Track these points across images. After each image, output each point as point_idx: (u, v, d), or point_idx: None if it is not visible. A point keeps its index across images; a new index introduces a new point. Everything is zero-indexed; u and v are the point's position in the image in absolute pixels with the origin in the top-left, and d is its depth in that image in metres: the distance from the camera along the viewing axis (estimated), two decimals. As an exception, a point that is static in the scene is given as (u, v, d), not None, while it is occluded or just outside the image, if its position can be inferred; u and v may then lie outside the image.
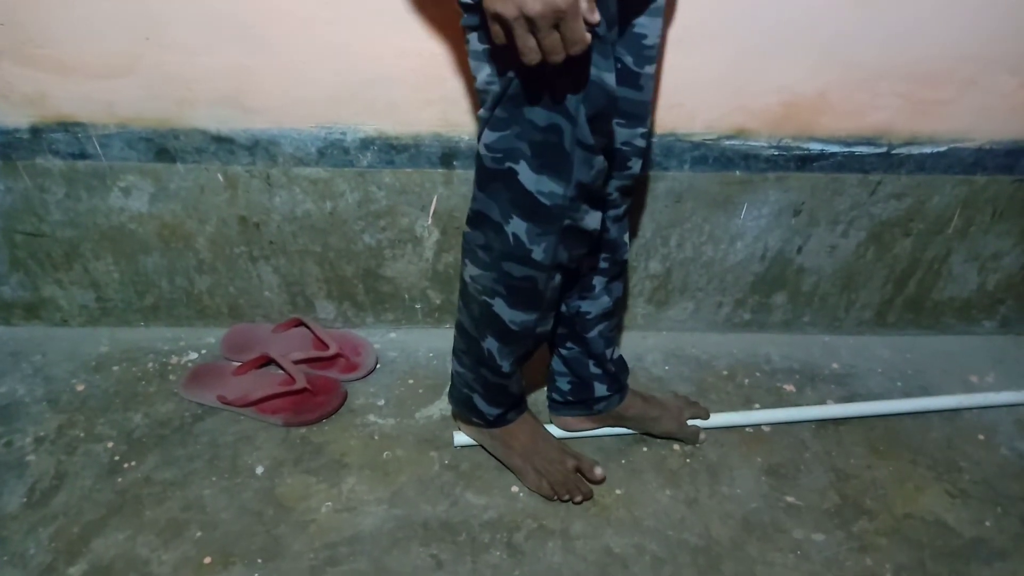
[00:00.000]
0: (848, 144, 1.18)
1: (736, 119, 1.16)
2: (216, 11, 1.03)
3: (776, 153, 1.19)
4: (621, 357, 1.17)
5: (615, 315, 1.12)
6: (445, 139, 1.16)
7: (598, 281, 1.07)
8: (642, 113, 0.92)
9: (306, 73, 1.09)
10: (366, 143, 1.17)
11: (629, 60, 0.86)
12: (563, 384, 1.16)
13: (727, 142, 1.18)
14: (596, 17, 0.69)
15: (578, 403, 1.17)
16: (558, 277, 0.95)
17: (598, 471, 1.11)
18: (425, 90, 1.11)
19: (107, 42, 1.06)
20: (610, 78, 0.76)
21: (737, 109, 1.15)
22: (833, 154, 1.19)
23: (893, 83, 1.12)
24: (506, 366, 1.03)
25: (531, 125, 0.80)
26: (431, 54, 1.07)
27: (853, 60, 1.10)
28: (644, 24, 0.85)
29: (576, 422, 1.19)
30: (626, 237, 1.06)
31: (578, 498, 1.09)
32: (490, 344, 1.00)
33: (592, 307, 1.08)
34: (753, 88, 1.13)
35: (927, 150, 1.20)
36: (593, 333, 1.09)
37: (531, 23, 0.66)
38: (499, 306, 0.95)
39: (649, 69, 0.89)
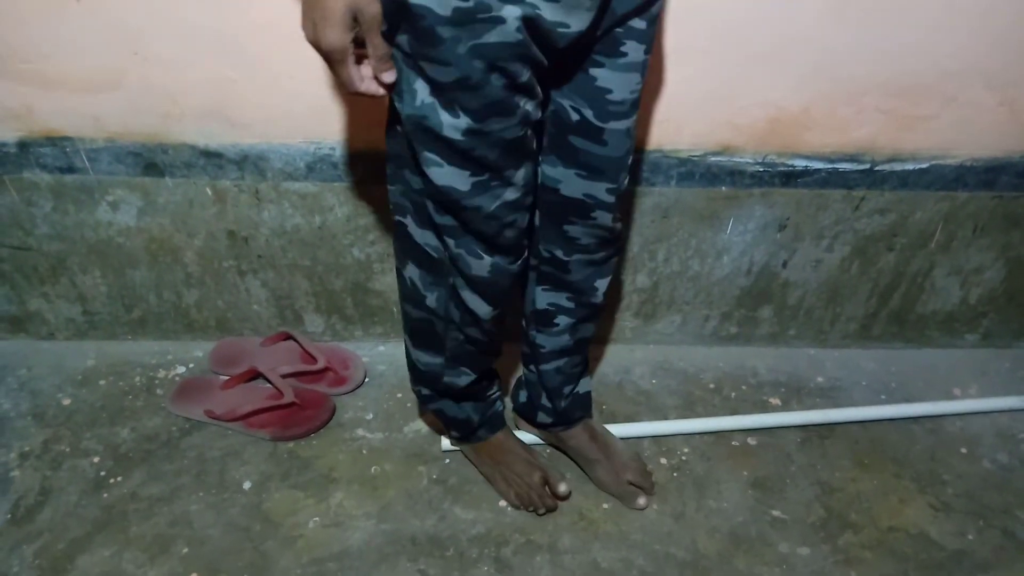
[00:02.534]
0: (832, 160, 1.20)
1: (722, 135, 1.17)
2: (200, 25, 1.04)
3: (761, 169, 1.20)
4: (587, 394, 1.17)
5: (576, 354, 1.11)
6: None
7: (562, 320, 1.05)
8: (606, 168, 0.87)
9: (293, 86, 1.10)
10: (355, 158, 1.17)
11: (589, 113, 0.83)
12: (520, 396, 1.20)
13: (713, 158, 1.19)
14: (387, 79, 0.70)
15: (524, 417, 1.21)
16: (464, 335, 0.96)
17: (562, 488, 1.11)
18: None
19: (93, 57, 1.06)
20: (437, 172, 0.76)
21: (722, 125, 1.16)
22: (817, 170, 1.21)
23: (876, 99, 1.14)
24: (430, 403, 1.11)
25: (408, 185, 0.84)
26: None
27: (836, 75, 1.12)
28: (608, 79, 0.81)
29: (527, 425, 1.21)
30: (599, 283, 1.02)
31: (541, 510, 1.10)
32: (411, 379, 1.10)
33: (548, 342, 1.07)
34: (738, 104, 1.14)
35: (909, 166, 1.22)
36: (548, 367, 1.10)
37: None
38: (408, 344, 1.04)
39: (617, 125, 0.84)
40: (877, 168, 1.21)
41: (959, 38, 1.08)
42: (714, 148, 1.18)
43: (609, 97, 0.82)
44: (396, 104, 0.75)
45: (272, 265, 1.30)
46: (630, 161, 0.89)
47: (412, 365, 1.06)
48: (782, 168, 1.21)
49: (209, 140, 1.15)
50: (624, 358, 1.42)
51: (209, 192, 1.20)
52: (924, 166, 1.22)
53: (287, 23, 1.03)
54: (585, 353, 1.15)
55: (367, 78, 0.70)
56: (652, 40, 0.81)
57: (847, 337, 1.46)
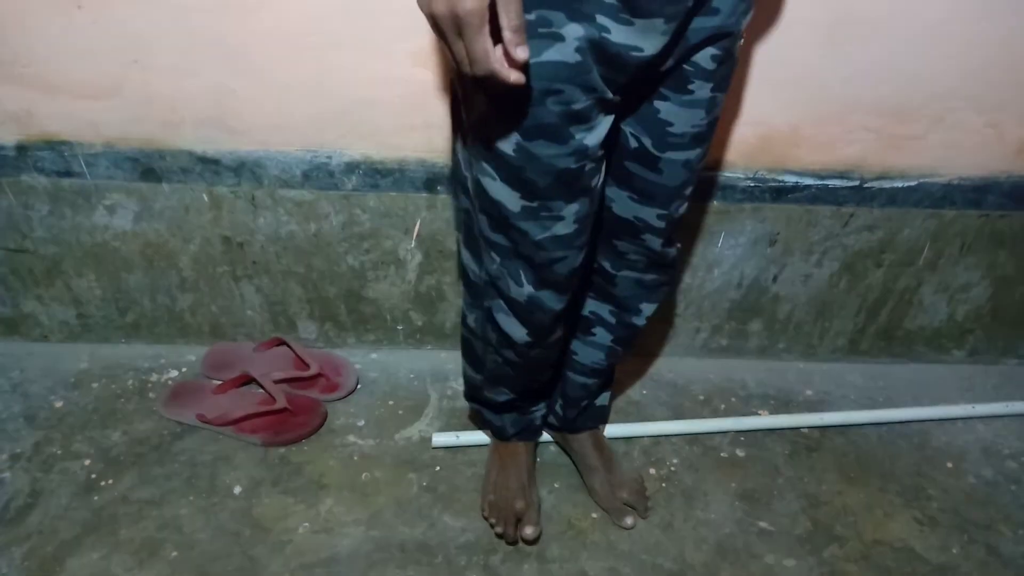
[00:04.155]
0: (822, 177, 1.22)
1: (713, 151, 1.19)
2: (202, 35, 1.05)
3: (752, 184, 1.22)
4: (602, 407, 1.18)
5: (604, 375, 1.12)
6: (429, 164, 1.18)
7: (599, 331, 1.05)
8: (658, 194, 0.86)
9: (289, 95, 1.11)
10: (351, 167, 1.18)
11: (648, 142, 0.82)
12: None
13: (705, 173, 1.21)
14: (520, 55, 0.60)
15: None
16: (502, 357, 0.97)
17: (527, 531, 1.07)
18: (410, 116, 1.13)
19: (94, 63, 1.08)
20: (491, 184, 0.78)
21: (714, 141, 1.17)
22: (807, 186, 1.23)
23: (864, 118, 1.16)
24: (473, 402, 1.16)
25: (459, 208, 0.91)
26: (417, 81, 1.09)
27: (826, 95, 1.13)
28: (670, 112, 0.80)
29: None
30: (645, 306, 1.02)
31: (498, 529, 1.09)
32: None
33: (582, 351, 1.08)
34: (730, 120, 1.16)
35: (898, 184, 1.23)
36: (576, 378, 1.10)
37: (434, 24, 0.60)
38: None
39: (675, 155, 0.83)
40: (866, 185, 1.23)
41: (946, 60, 1.10)
42: (706, 163, 1.20)
43: (669, 129, 0.81)
44: (463, 114, 0.77)
45: (266, 271, 1.30)
46: (688, 192, 0.88)
47: (463, 372, 1.12)
48: (772, 184, 1.22)
49: (207, 147, 1.16)
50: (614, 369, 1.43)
51: (205, 198, 1.21)
52: (912, 184, 1.24)
53: (288, 33, 1.05)
54: (612, 375, 1.17)
55: (500, 57, 0.61)
56: (724, 80, 0.80)
57: (835, 351, 1.47)
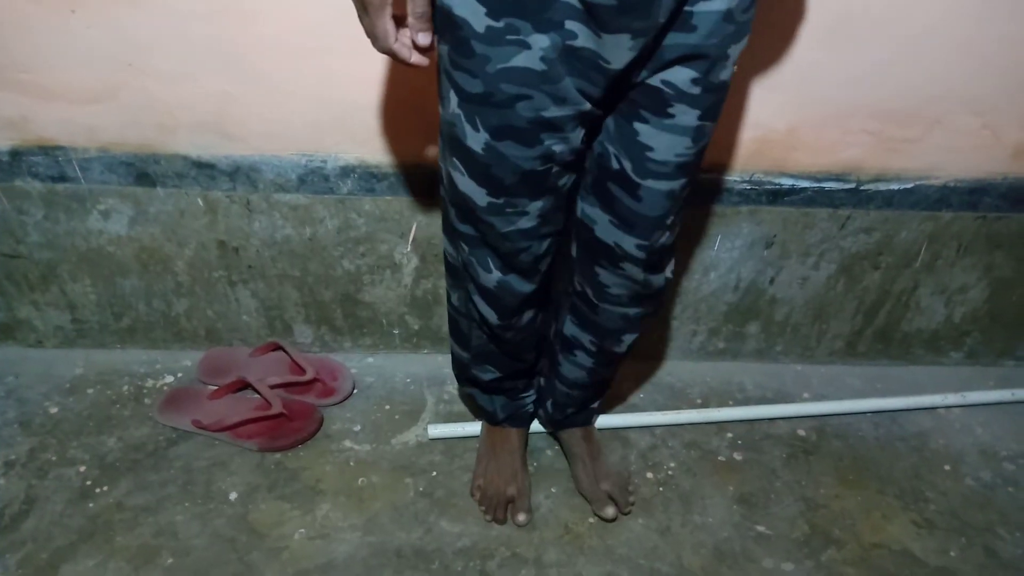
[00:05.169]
0: (818, 180, 1.22)
1: (710, 154, 1.17)
2: (198, 39, 1.05)
3: (749, 187, 1.22)
4: (592, 408, 1.19)
5: (591, 389, 1.13)
6: (425, 168, 1.18)
7: (580, 355, 1.06)
8: (638, 223, 0.84)
9: (288, 101, 1.11)
10: (347, 171, 1.18)
11: (628, 166, 0.80)
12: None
13: (702, 176, 1.20)
14: (421, 40, 0.69)
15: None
16: (485, 334, 1.00)
17: (520, 517, 1.11)
18: (406, 120, 1.13)
19: (90, 68, 1.07)
20: (459, 179, 0.80)
21: (711, 144, 1.17)
22: (804, 189, 1.22)
23: (862, 121, 1.16)
24: (464, 386, 1.18)
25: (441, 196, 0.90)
26: (414, 85, 1.09)
27: (823, 98, 1.13)
28: (650, 136, 0.77)
29: None
30: (626, 337, 1.01)
31: (488, 517, 1.12)
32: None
33: (567, 368, 1.09)
34: (727, 124, 1.16)
35: (894, 186, 1.23)
36: (563, 388, 1.12)
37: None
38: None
39: (656, 184, 0.80)
40: (863, 188, 1.23)
41: (943, 63, 1.10)
42: (702, 166, 1.19)
43: (649, 155, 0.78)
44: (440, 109, 0.79)
45: (262, 275, 1.30)
46: (670, 222, 0.86)
47: (451, 350, 1.13)
48: (769, 187, 1.22)
49: (202, 151, 1.16)
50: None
51: (200, 202, 1.21)
52: (909, 186, 1.23)
53: (285, 39, 1.04)
54: (602, 390, 1.17)
55: (402, 41, 0.69)
56: (712, 109, 0.77)
57: (833, 354, 1.47)
